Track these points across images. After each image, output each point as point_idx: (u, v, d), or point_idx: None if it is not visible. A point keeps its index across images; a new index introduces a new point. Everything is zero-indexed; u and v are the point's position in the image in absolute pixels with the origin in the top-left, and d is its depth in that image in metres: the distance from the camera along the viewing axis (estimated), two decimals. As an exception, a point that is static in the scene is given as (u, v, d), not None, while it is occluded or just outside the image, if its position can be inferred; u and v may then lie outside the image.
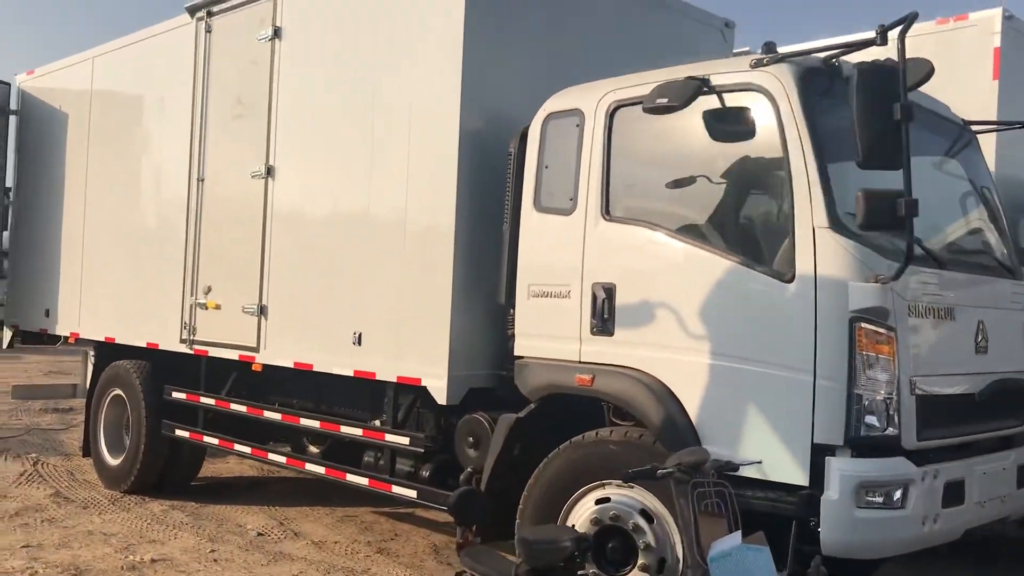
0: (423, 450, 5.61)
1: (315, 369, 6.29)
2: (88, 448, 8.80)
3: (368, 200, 5.96)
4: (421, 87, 5.65)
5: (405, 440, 5.69)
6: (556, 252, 5.06)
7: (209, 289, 7.25)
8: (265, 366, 6.75)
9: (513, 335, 5.31)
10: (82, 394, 10.13)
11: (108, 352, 8.65)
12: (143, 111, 8.21)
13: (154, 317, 7.82)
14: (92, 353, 9.41)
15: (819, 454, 4.05)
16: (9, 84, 10.24)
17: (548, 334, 5.06)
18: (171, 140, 7.74)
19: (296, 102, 6.61)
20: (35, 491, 8.14)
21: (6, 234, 10.33)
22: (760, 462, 4.03)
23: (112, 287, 8.39)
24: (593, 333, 4.83)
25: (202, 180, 7.38)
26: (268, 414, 6.79)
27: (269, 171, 6.72)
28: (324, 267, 6.25)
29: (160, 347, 7.75)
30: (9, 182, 10.30)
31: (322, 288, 6.25)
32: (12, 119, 10.20)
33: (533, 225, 5.19)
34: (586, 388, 4.79)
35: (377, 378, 5.84)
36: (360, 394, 6.38)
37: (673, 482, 3.55)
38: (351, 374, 6.00)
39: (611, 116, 4.90)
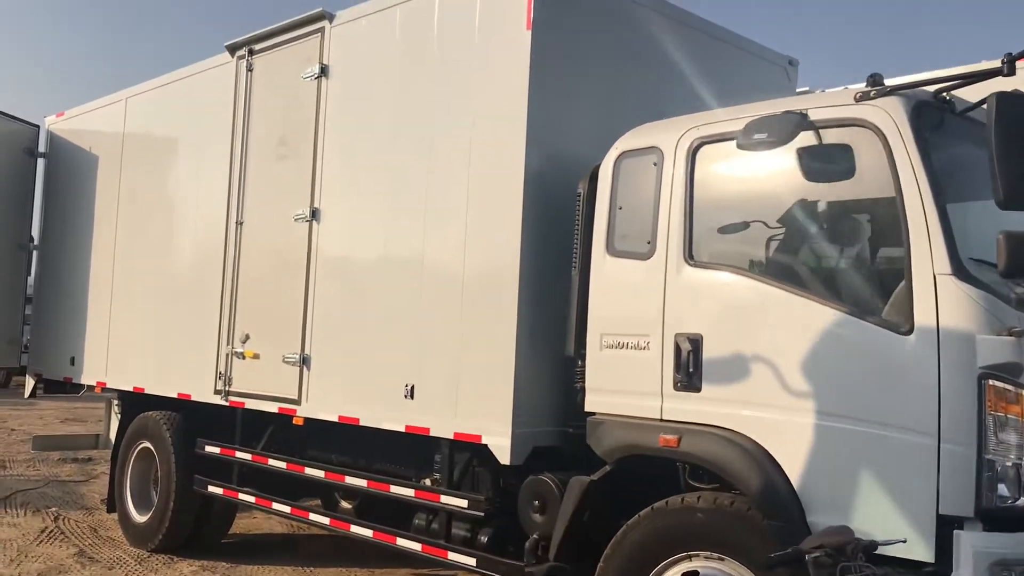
0: (483, 514, 5.19)
1: (361, 424, 5.90)
2: (113, 503, 8.40)
3: (422, 244, 5.62)
4: (483, 125, 5.34)
5: (463, 503, 5.28)
6: (632, 299, 4.69)
7: (247, 338, 6.90)
8: (306, 419, 6.37)
9: (583, 389, 4.93)
10: (105, 445, 9.75)
11: (136, 402, 8.29)
12: (178, 153, 7.94)
13: (187, 367, 7.47)
14: (116, 402, 9.05)
15: (945, 527, 3.62)
16: (38, 126, 10.02)
17: (624, 389, 4.67)
18: (208, 182, 7.45)
19: (344, 142, 6.31)
20: (58, 550, 7.73)
21: (31, 279, 10.03)
22: (905, 541, 3.60)
23: (142, 335, 8.06)
24: (677, 388, 4.44)
25: (241, 224, 7.07)
26: (310, 471, 6.40)
27: (314, 214, 6.40)
28: (373, 315, 5.90)
29: (192, 398, 7.39)
30: (35, 226, 10.03)
31: (371, 337, 5.89)
32: (40, 162, 9.96)
33: (606, 270, 4.83)
34: (671, 450, 4.38)
35: (432, 434, 5.45)
36: (408, 450, 5.99)
37: (814, 565, 3.14)
38: (402, 429, 5.61)
39: (693, 154, 4.56)
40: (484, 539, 5.31)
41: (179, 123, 7.96)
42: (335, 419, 6.09)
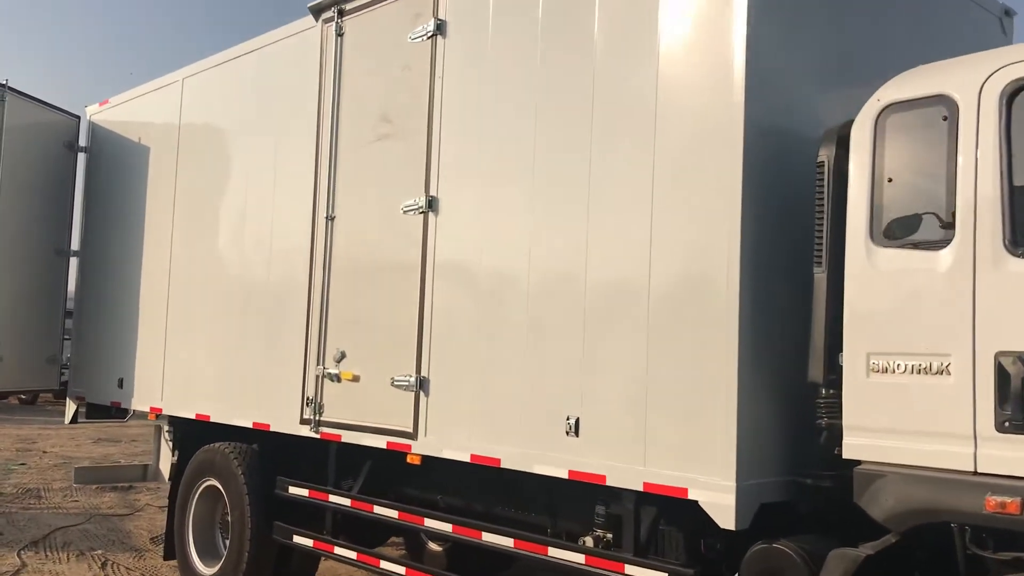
0: (691, 592, 3.92)
1: (504, 466, 4.66)
2: (171, 550, 7.17)
3: (585, 243, 4.38)
4: (675, 92, 4.10)
5: (662, 576, 4.01)
6: (918, 304, 3.43)
7: (342, 356, 5.67)
8: (425, 458, 5.13)
9: (829, 427, 3.68)
10: (153, 477, 8.57)
11: (197, 432, 7.07)
12: (249, 139, 6.73)
13: (264, 391, 6.25)
14: (167, 429, 7.85)
15: None
16: (78, 117, 8.86)
17: (907, 429, 3.41)
18: (288, 172, 6.24)
19: (467, 116, 5.09)
20: (111, 610, 6.53)
21: (71, 289, 8.85)
22: None
23: (206, 354, 6.85)
24: (1003, 429, 3.17)
25: (331, 219, 5.85)
26: (432, 524, 5.14)
27: (430, 203, 5.17)
28: (517, 330, 4.65)
29: (272, 428, 6.17)
30: (75, 230, 8.86)
31: (515, 358, 4.64)
32: (80, 157, 8.80)
33: (872, 266, 3.57)
34: (1008, 518, 3.10)
35: (608, 484, 4.19)
36: (556, 498, 4.77)
37: None
38: (563, 475, 4.36)
39: (1009, 102, 3.30)
40: (685, 624, 4.05)
41: (249, 104, 6.74)
42: (466, 459, 4.85)
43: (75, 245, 8.80)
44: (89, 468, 9.14)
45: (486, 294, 4.84)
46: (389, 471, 5.74)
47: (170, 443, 7.91)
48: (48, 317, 8.70)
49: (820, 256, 3.74)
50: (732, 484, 3.70)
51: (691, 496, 3.84)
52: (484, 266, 4.89)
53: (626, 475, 4.10)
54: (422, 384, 5.12)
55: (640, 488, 4.04)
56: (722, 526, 3.72)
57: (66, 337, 8.94)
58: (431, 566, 6.56)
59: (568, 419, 4.34)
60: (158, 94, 7.78)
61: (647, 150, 4.16)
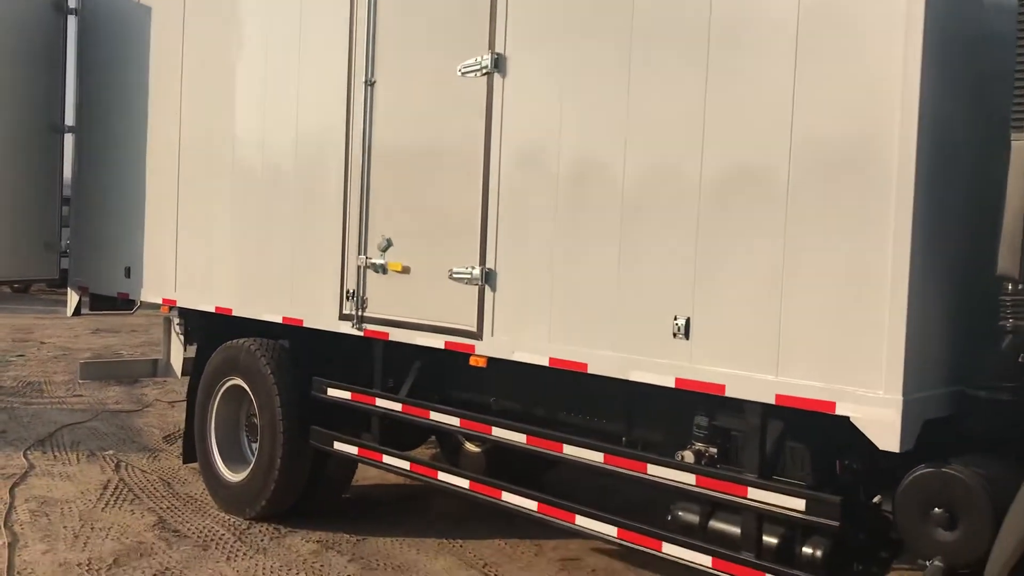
0: (836, 523, 3.33)
1: (592, 371, 4.02)
2: (192, 453, 6.60)
3: (702, 103, 3.62)
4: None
5: (796, 502, 3.41)
6: None
7: (388, 244, 4.97)
8: (491, 361, 4.49)
9: (1016, 330, 3.04)
10: (164, 372, 7.95)
11: (216, 327, 6.41)
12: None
13: (296, 283, 5.56)
14: (178, 321, 7.20)
15: None
16: (66, -27, 7.88)
17: None
18: (317, 28, 5.41)
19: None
20: (131, 519, 5.98)
21: (67, 172, 8.04)
22: None
23: (226, 241, 6.12)
24: None
25: (371, 84, 5.05)
26: (500, 432, 4.52)
27: (496, 63, 4.38)
28: (611, 215, 3.93)
29: (306, 324, 5.51)
30: (68, 104, 7.99)
31: (608, 247, 3.94)
32: (71, 20, 7.86)
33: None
34: None
35: (727, 394, 3.55)
36: (647, 406, 4.17)
37: None
38: (670, 384, 3.72)
39: None
40: (817, 554, 3.48)
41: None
42: (543, 362, 4.20)
43: (69, 120, 7.95)
44: (95, 363, 8.50)
45: (570, 174, 4.10)
46: (440, 373, 5.12)
47: (181, 336, 7.28)
48: (43, 200, 7.90)
49: (1021, 119, 3.01)
50: (897, 398, 3.07)
51: (840, 411, 3.21)
52: (566, 140, 4.13)
53: (752, 385, 3.46)
54: (487, 277, 4.43)
55: (771, 400, 3.41)
56: (881, 447, 3.11)
57: (65, 225, 8.18)
58: (468, 469, 6.04)
59: (676, 319, 3.67)
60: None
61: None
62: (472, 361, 4.54)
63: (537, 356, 4.22)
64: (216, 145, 6.18)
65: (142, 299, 7.11)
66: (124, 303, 7.59)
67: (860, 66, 3.18)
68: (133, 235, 7.05)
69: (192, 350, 7.10)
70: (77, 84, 7.83)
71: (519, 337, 4.32)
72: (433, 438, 7.00)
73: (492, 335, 4.43)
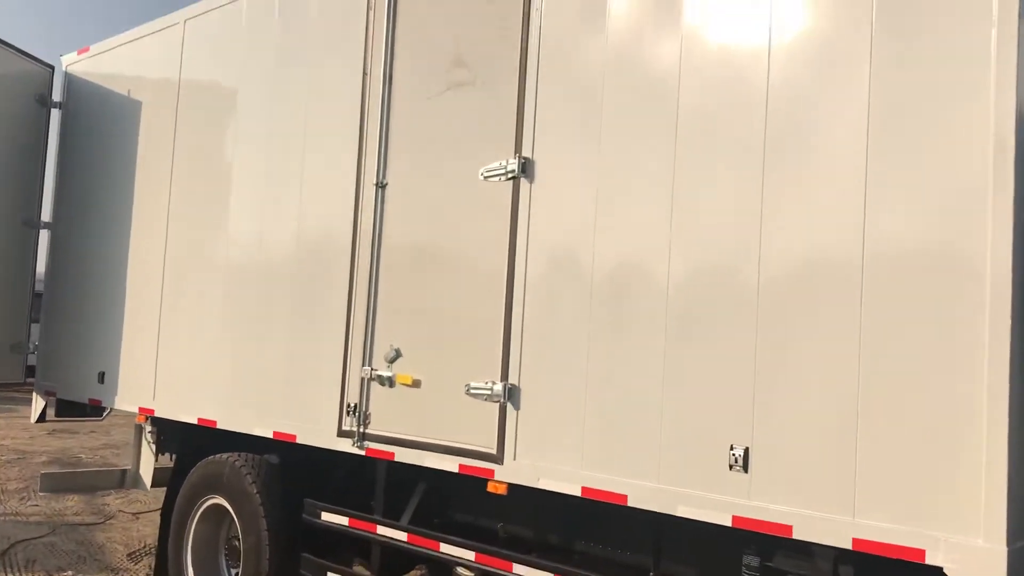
0: None
1: (632, 504, 3.62)
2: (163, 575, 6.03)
3: (759, 203, 3.35)
4: None
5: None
6: None
7: (396, 355, 4.59)
8: (512, 487, 4.08)
9: None
10: (133, 484, 7.38)
11: (194, 438, 5.95)
12: (271, 88, 5.59)
13: (290, 395, 5.14)
14: (150, 429, 6.71)
15: None
16: (52, 68, 7.61)
17: None
18: (324, 129, 5.14)
19: (571, 59, 4.02)
20: (94, 655, 5.39)
21: (40, 269, 7.62)
22: None
23: (213, 347, 5.71)
24: None
25: (382, 186, 4.76)
26: (522, 570, 4.07)
27: (523, 168, 4.11)
28: (653, 329, 3.61)
29: (299, 440, 5.07)
30: (46, 198, 7.63)
31: (651, 365, 3.60)
32: (54, 114, 7.56)
33: None
34: None
35: (795, 536, 3.17)
36: (683, 540, 3.78)
37: None
38: (725, 522, 3.34)
39: None
40: None
41: (270, 45, 5.60)
42: (575, 492, 3.80)
43: (46, 216, 7.57)
44: (57, 474, 7.87)
45: (605, 281, 3.79)
46: (447, 497, 4.69)
47: (153, 445, 6.79)
48: (12, 298, 7.45)
49: None
50: (1001, 548, 2.71)
51: (931, 561, 2.84)
52: (601, 246, 3.83)
53: (825, 527, 3.09)
54: (510, 393, 4.06)
55: (847, 545, 3.03)
56: (984, 604, 2.74)
57: (34, 320, 7.71)
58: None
59: (733, 449, 3.32)
60: (154, 39, 6.59)
61: (861, 70, 3.15)
62: (491, 487, 4.12)
63: (567, 485, 3.82)
64: (208, 243, 5.83)
65: (116, 407, 6.62)
66: (93, 409, 7.10)
67: (942, 164, 2.93)
68: (109, 338, 6.61)
69: (164, 460, 6.61)
70: (56, 179, 7.49)
71: (546, 462, 3.92)
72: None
73: (514, 459, 4.04)
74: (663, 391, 3.54)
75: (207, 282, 5.79)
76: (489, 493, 4.15)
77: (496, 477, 4.09)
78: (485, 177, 4.26)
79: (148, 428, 6.72)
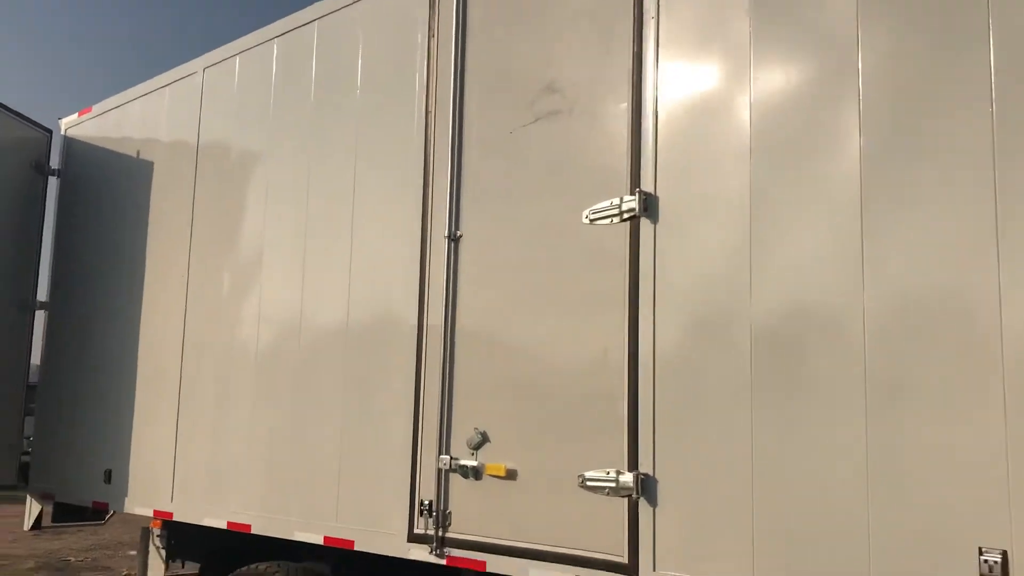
0: None
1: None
2: None
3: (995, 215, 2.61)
4: None
5: None
6: None
7: (483, 439, 3.77)
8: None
9: None
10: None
11: (220, 544, 5.05)
12: (308, 137, 4.85)
13: (344, 492, 4.29)
14: (158, 533, 5.79)
15: None
16: (50, 132, 6.90)
17: None
18: (377, 176, 4.39)
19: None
20: None
21: (35, 358, 6.77)
22: None
23: (245, 437, 4.86)
24: None
25: (455, 239, 4.00)
26: None
27: (645, 206, 3.36)
28: (841, 384, 2.82)
29: (357, 547, 4.20)
30: (43, 277, 6.83)
31: (845, 433, 2.79)
32: (52, 182, 6.82)
33: None
34: None
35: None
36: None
37: None
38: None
39: None
40: None
41: (306, 87, 4.89)
42: (744, 613, 2.96)
43: (42, 295, 6.77)
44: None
45: (765, 335, 3.01)
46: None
47: (163, 551, 5.86)
48: (5, 391, 6.59)
49: None
50: None
51: None
52: (758, 290, 3.06)
53: None
54: (643, 486, 3.24)
55: None
56: None
57: (28, 414, 6.84)
58: None
59: (984, 555, 2.50)
60: (167, 92, 5.88)
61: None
62: (620, 605, 3.27)
63: (733, 602, 2.98)
64: (236, 320, 5.02)
65: (126, 510, 5.72)
66: (94, 513, 6.20)
67: None
68: (117, 431, 5.75)
69: (175, 567, 5.70)
70: (54, 254, 6.70)
71: (699, 573, 3.08)
72: None
73: (653, 570, 3.19)
74: (867, 469, 2.73)
75: (236, 364, 4.96)
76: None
77: (629, 592, 3.24)
78: (591, 220, 3.51)
79: (156, 532, 5.81)
